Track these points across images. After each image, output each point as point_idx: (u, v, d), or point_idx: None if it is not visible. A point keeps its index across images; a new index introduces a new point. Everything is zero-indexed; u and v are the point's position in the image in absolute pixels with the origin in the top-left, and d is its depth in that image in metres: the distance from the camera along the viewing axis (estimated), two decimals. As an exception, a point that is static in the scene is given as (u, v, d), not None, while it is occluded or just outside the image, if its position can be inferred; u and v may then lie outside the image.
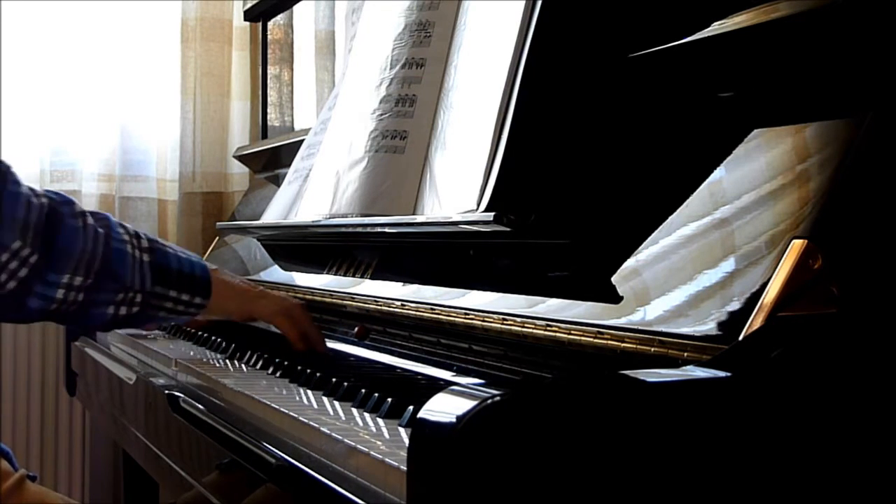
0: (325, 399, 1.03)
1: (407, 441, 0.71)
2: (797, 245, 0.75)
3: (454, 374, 1.08)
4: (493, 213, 0.97)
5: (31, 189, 1.23)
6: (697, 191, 0.87)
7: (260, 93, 2.29)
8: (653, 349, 0.80)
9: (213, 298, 1.32)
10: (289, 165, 1.65)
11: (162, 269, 1.28)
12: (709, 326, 0.76)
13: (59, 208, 1.24)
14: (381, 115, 1.29)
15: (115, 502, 2.37)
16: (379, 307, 1.23)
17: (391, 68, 1.30)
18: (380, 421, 0.91)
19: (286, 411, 0.97)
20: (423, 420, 0.65)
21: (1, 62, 2.39)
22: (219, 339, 1.47)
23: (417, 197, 1.20)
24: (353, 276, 1.36)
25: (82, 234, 1.23)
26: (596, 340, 0.86)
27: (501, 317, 0.99)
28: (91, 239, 1.24)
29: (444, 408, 0.64)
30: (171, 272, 1.29)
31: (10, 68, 2.42)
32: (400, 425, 0.88)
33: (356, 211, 1.27)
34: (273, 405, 1.00)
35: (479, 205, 1.05)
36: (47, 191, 1.26)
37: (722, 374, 0.69)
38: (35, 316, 1.24)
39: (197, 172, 2.53)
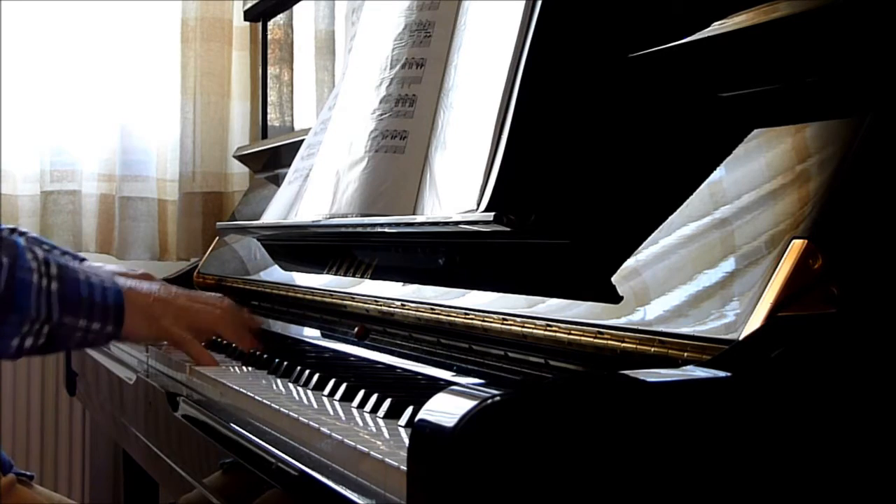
0: (325, 399, 1.03)
1: (407, 441, 0.71)
2: (797, 245, 0.75)
3: (454, 374, 1.08)
4: (493, 213, 0.97)
5: None
6: (697, 191, 0.87)
7: (260, 93, 2.29)
8: (653, 349, 0.80)
9: (128, 324, 1.27)
10: (289, 165, 1.65)
11: (70, 298, 1.22)
12: (709, 326, 0.76)
13: None
14: (381, 114, 1.29)
15: (115, 502, 2.38)
16: (379, 307, 1.23)
17: (391, 68, 1.30)
18: (380, 421, 0.91)
19: (286, 411, 0.97)
20: (423, 420, 0.65)
21: (1, 62, 2.39)
22: (219, 339, 1.47)
23: (417, 197, 1.20)
24: (353, 276, 1.36)
25: None
26: (596, 340, 0.86)
27: (501, 317, 0.99)
28: None
29: (444, 408, 0.64)
30: (80, 301, 1.23)
31: (11, 68, 2.41)
32: (400, 425, 0.88)
33: (356, 211, 1.27)
34: (273, 405, 1.00)
35: (479, 205, 1.05)
36: None
37: (722, 374, 0.69)
38: None
39: (197, 172, 2.53)
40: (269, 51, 2.28)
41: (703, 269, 0.81)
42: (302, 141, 1.65)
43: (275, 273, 1.67)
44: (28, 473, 1.30)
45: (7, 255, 1.19)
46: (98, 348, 1.36)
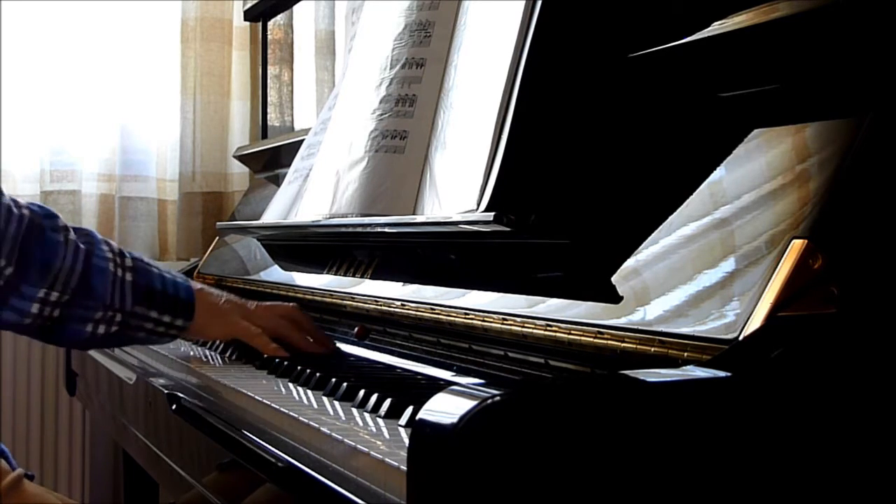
0: (325, 399, 1.03)
1: (407, 441, 0.71)
2: (797, 245, 0.75)
3: (454, 374, 1.08)
4: (493, 213, 0.97)
5: (13, 200, 1.22)
6: (697, 191, 0.87)
7: (260, 93, 2.29)
8: (653, 349, 0.80)
9: (197, 321, 1.30)
10: (289, 165, 1.65)
11: (144, 289, 1.26)
12: (709, 326, 0.76)
13: (40, 221, 1.22)
14: (381, 114, 1.29)
15: (115, 502, 2.37)
16: (379, 307, 1.23)
17: (391, 68, 1.30)
18: (380, 421, 0.91)
19: (286, 411, 0.97)
20: (423, 420, 0.65)
21: (1, 62, 2.39)
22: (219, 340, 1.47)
23: (417, 197, 1.20)
24: (353, 276, 1.36)
25: (62, 249, 1.22)
26: (596, 340, 0.86)
27: (501, 317, 0.99)
28: (71, 254, 1.22)
29: (444, 408, 0.64)
30: (153, 292, 1.27)
31: (11, 68, 2.41)
32: (400, 425, 0.88)
33: (356, 211, 1.27)
34: (273, 405, 1.00)
35: (479, 205, 1.05)
36: (30, 203, 1.24)
37: (722, 374, 0.69)
38: (9, 328, 1.23)
39: (197, 172, 2.53)
40: (269, 51, 2.28)
41: (703, 269, 0.81)
42: (302, 141, 1.65)
43: (275, 273, 1.67)
44: (29, 473, 1.30)
45: (84, 242, 1.24)
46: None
